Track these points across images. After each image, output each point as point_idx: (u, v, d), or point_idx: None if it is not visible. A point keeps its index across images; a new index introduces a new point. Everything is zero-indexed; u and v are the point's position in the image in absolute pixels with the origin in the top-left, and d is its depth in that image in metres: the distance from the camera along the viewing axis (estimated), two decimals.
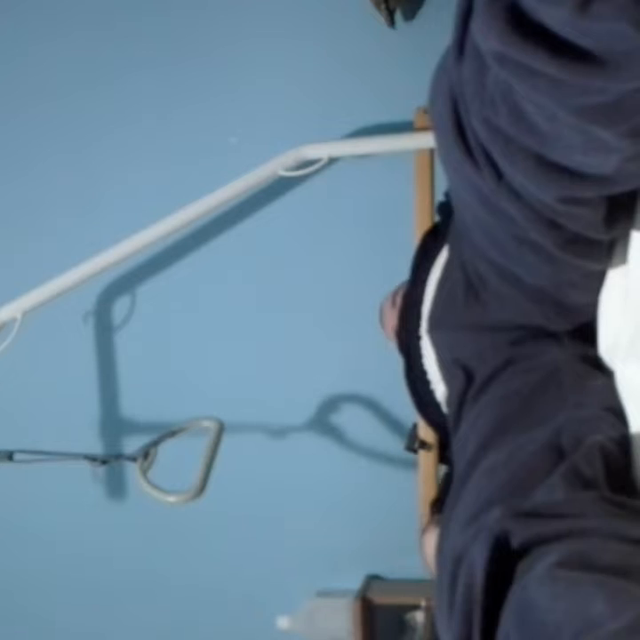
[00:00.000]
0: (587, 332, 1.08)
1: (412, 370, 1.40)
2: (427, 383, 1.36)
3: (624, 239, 0.94)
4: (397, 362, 1.48)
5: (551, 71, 0.70)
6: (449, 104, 0.90)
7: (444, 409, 1.32)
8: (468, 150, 0.90)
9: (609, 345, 1.03)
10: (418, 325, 1.37)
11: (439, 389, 1.33)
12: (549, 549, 0.74)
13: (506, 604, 0.73)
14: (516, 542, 0.77)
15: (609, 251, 0.96)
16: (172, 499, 1.28)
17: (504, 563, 0.76)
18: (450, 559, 0.82)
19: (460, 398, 1.18)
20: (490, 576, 0.74)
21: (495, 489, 0.91)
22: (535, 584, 0.71)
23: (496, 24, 0.72)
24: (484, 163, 0.89)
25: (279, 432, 2.19)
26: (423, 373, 1.37)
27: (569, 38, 0.68)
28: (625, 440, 0.92)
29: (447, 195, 1.62)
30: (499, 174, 0.89)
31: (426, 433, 1.80)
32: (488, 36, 0.74)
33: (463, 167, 0.92)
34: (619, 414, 0.96)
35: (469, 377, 1.18)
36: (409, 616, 2.19)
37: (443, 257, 1.32)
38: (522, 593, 0.72)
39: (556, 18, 0.68)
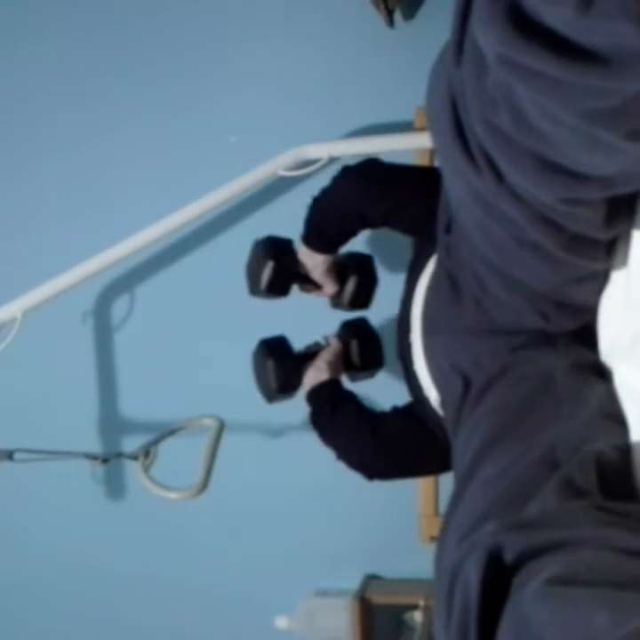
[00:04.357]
0: (583, 336, 1.08)
1: (409, 376, 1.40)
2: (420, 389, 1.37)
3: (625, 240, 0.94)
4: (397, 362, 1.48)
5: (553, 72, 0.70)
6: (447, 104, 0.89)
7: (439, 413, 1.32)
8: (468, 151, 0.89)
9: (609, 346, 1.03)
10: (408, 332, 1.38)
11: (431, 395, 1.34)
12: (542, 564, 0.74)
13: (502, 621, 0.72)
14: (509, 556, 0.76)
15: (610, 251, 0.96)
16: (174, 496, 1.29)
17: (499, 577, 0.75)
18: (446, 573, 0.81)
19: (459, 405, 1.18)
20: (485, 592, 0.74)
21: (489, 503, 0.91)
22: (530, 601, 0.70)
23: (496, 24, 0.71)
24: (484, 164, 0.88)
25: (279, 432, 2.19)
26: (416, 379, 1.37)
27: (571, 38, 0.68)
28: (625, 445, 0.92)
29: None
30: (499, 176, 0.88)
31: None
32: (488, 37, 0.73)
33: (462, 168, 0.92)
34: (617, 419, 0.96)
35: (467, 384, 1.18)
36: (407, 616, 2.19)
37: (432, 262, 1.32)
38: (517, 609, 0.72)
39: (558, 17, 0.67)
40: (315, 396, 1.55)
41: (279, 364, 1.58)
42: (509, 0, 0.70)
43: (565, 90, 0.70)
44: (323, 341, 1.65)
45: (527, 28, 0.69)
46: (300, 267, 1.55)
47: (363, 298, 1.64)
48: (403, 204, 1.41)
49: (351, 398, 1.55)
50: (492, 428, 1.04)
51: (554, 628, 0.68)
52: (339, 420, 1.51)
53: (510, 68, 0.73)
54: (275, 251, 1.55)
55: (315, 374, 1.56)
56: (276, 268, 1.53)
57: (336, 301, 1.65)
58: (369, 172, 1.44)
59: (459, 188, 0.99)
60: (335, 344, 1.62)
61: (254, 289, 1.59)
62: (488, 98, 0.81)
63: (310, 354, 1.62)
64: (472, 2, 0.76)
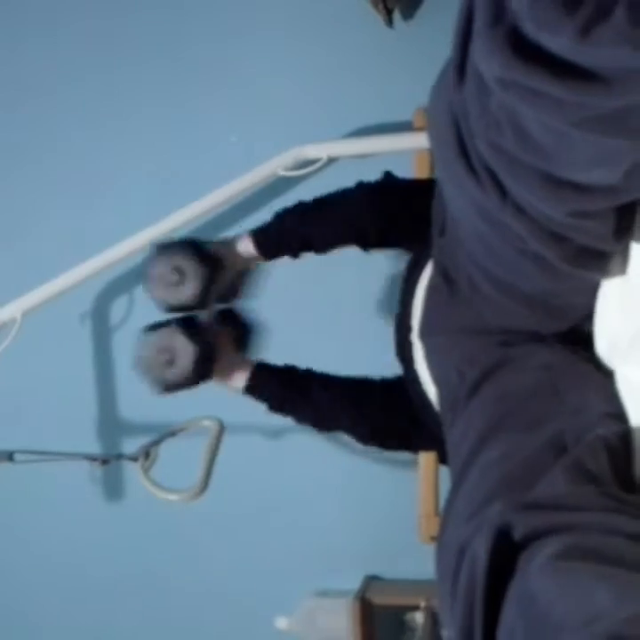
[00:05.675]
0: (578, 338, 1.08)
1: (409, 373, 1.41)
2: (420, 384, 1.38)
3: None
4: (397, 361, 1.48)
5: (555, 92, 0.71)
6: (450, 122, 0.90)
7: (436, 408, 1.34)
8: (471, 168, 0.90)
9: (607, 347, 1.03)
10: (409, 331, 1.39)
11: (431, 391, 1.35)
12: (549, 541, 0.75)
13: (508, 596, 0.73)
14: (517, 534, 0.77)
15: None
16: (174, 497, 1.28)
17: (506, 555, 0.76)
18: (453, 551, 0.82)
19: (453, 400, 1.18)
20: (492, 568, 0.75)
21: (496, 483, 0.91)
22: (536, 575, 0.71)
23: (498, 49, 0.72)
24: (488, 181, 0.89)
25: (279, 432, 2.19)
26: (416, 376, 1.38)
27: (572, 61, 0.69)
28: (626, 437, 0.93)
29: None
30: (503, 192, 0.89)
31: None
32: (490, 62, 0.74)
33: (465, 183, 0.92)
34: (618, 417, 0.96)
35: (462, 379, 1.18)
36: (408, 616, 2.19)
37: (430, 264, 1.32)
38: (523, 584, 0.72)
39: (556, 45, 0.69)
40: (256, 390, 1.49)
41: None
42: (509, 25, 0.71)
43: (568, 108, 0.72)
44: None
45: (527, 51, 0.71)
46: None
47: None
48: (400, 217, 1.43)
49: (302, 373, 1.54)
50: (492, 418, 1.04)
51: (559, 603, 0.68)
52: (315, 399, 1.49)
53: (512, 91, 0.74)
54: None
55: (229, 370, 1.47)
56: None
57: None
58: (375, 193, 1.46)
59: (462, 204, 0.99)
60: (222, 336, 1.52)
61: None
62: (492, 119, 0.82)
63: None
64: (472, 25, 0.77)
